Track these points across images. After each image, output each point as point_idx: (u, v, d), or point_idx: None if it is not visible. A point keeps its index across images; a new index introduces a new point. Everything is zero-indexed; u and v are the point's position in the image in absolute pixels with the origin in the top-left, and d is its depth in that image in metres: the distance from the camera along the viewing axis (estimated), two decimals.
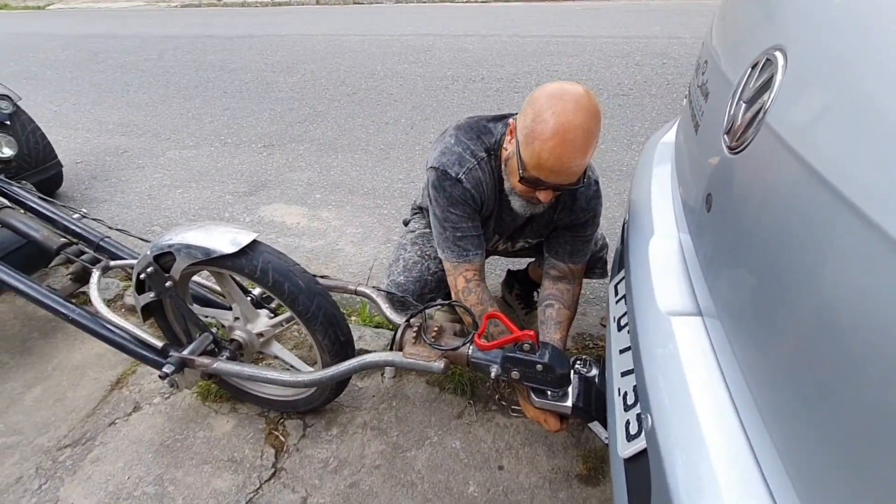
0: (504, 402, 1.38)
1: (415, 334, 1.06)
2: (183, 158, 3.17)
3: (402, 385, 1.49)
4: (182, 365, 1.15)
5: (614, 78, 3.71)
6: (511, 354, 0.97)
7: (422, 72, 4.22)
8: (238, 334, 1.25)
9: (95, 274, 1.32)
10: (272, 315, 1.30)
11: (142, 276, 1.15)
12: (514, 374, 0.98)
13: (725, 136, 0.61)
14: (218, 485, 1.26)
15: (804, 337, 0.44)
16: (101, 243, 1.46)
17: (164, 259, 1.13)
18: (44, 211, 1.54)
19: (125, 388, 1.58)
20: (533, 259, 1.58)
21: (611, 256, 1.46)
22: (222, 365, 1.15)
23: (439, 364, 1.01)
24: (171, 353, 1.20)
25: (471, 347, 1.02)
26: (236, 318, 1.24)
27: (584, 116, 0.91)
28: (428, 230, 1.44)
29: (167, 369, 1.13)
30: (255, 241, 1.09)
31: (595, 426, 1.01)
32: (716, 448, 0.51)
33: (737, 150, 0.58)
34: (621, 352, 0.87)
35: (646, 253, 0.81)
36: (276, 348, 1.33)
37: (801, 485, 0.42)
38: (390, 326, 1.65)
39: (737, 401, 0.54)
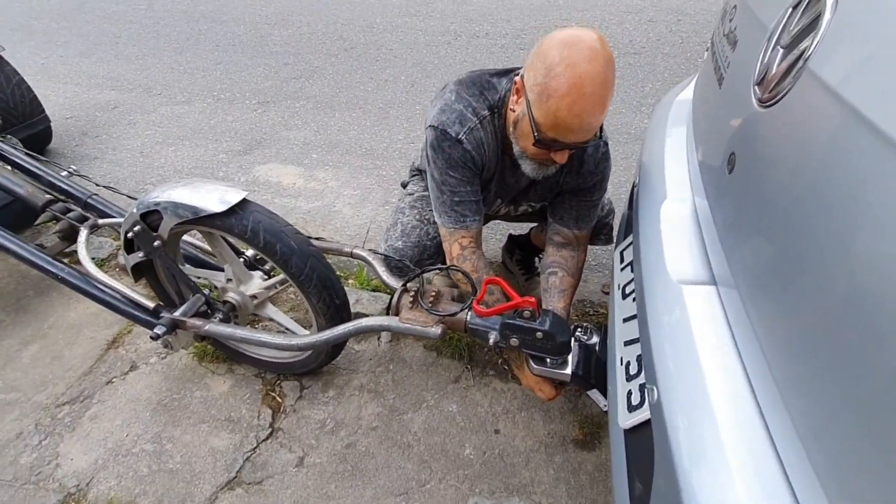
0: (506, 367, 1.37)
1: (412, 299, 1.02)
2: (175, 115, 3.06)
3: (399, 349, 1.48)
4: (174, 326, 1.13)
5: (626, 35, 3.52)
6: (510, 321, 0.94)
7: (423, 26, 4.01)
8: (231, 296, 1.22)
9: (83, 232, 1.27)
10: (266, 277, 1.27)
11: (129, 235, 1.10)
12: (514, 341, 0.95)
13: (756, 88, 0.55)
14: (215, 443, 1.27)
15: (838, 305, 0.40)
16: (88, 201, 1.41)
17: (151, 217, 1.08)
18: (29, 167, 1.48)
19: (121, 347, 1.57)
20: (535, 224, 1.53)
21: (617, 222, 1.41)
22: (214, 327, 1.12)
23: (436, 330, 0.98)
24: (162, 315, 1.18)
25: (469, 313, 0.99)
26: (229, 280, 1.21)
27: (601, 65, 0.84)
28: (427, 193, 1.38)
29: (158, 330, 1.10)
30: (244, 200, 1.04)
31: (594, 394, 1.00)
32: (726, 424, 0.48)
33: (769, 103, 0.52)
34: (625, 320, 0.84)
35: (657, 218, 0.76)
36: (272, 310, 1.30)
37: (820, 460, 0.40)
38: (388, 290, 1.62)
39: (751, 374, 0.51)
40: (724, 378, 0.52)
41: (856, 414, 0.37)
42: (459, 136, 1.03)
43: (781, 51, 0.51)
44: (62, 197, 1.38)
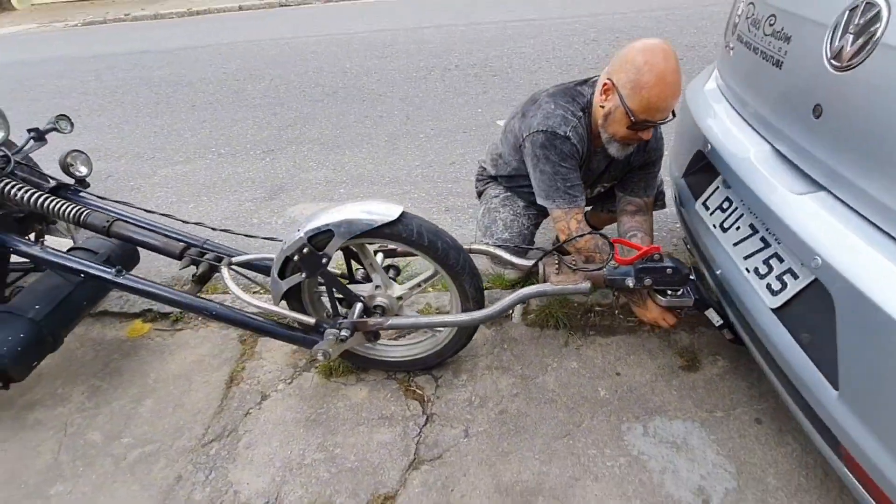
0: (622, 315, 1.63)
1: (556, 267, 1.26)
2: (179, 174, 3.10)
3: (505, 330, 1.69)
4: (354, 329, 1.28)
5: (578, 55, 4.06)
6: (644, 266, 1.21)
7: (394, 65, 4.34)
8: (380, 300, 1.38)
9: (225, 270, 1.39)
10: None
11: (295, 258, 1.25)
12: (647, 282, 1.22)
13: (830, 62, 0.88)
14: (381, 438, 1.40)
15: None
16: (204, 246, 1.51)
17: (315, 239, 1.24)
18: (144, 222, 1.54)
19: (241, 383, 1.64)
20: (591, 207, 1.83)
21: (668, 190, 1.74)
22: (396, 320, 1.29)
23: (586, 284, 1.22)
24: (324, 327, 1.32)
25: (606, 268, 1.24)
26: (377, 287, 1.38)
27: (674, 62, 1.17)
28: (509, 193, 1.64)
29: (344, 333, 1.25)
30: (403, 212, 1.24)
31: (710, 313, 1.28)
32: (880, 260, 0.77)
33: (846, 69, 0.84)
34: (736, 244, 1.13)
35: (751, 161, 1.07)
36: (407, 311, 1.47)
37: None
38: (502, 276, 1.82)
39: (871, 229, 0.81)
40: (857, 239, 0.82)
41: None
42: (567, 134, 1.31)
43: (851, 36, 0.84)
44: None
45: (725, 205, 1.21)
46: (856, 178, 0.85)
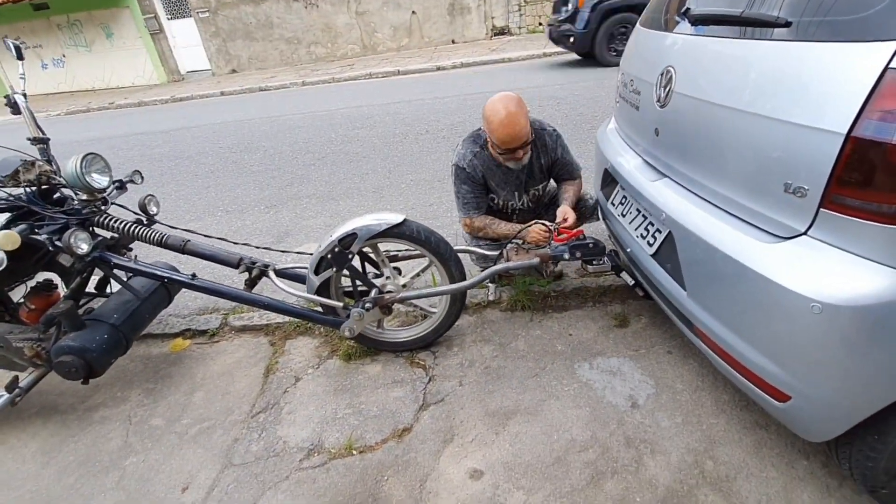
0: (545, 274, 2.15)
1: (515, 251, 1.79)
2: (192, 228, 3.54)
3: (485, 316, 2.17)
4: (375, 303, 1.74)
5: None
6: (574, 243, 1.75)
7: (373, 133, 5.05)
8: (390, 287, 1.86)
9: (272, 274, 1.84)
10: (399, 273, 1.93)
11: (328, 256, 1.73)
12: (578, 255, 1.76)
13: (657, 104, 1.51)
14: (396, 394, 1.81)
15: (710, 161, 1.31)
16: (241, 257, 1.97)
17: (343, 241, 1.73)
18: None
19: (277, 372, 2.03)
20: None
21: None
22: (407, 293, 1.76)
23: (536, 259, 1.75)
24: (349, 308, 1.77)
25: (550, 247, 1.78)
26: (387, 277, 1.86)
27: (511, 107, 1.76)
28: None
29: (368, 305, 1.71)
30: (405, 218, 1.76)
31: (624, 275, 1.82)
32: (694, 209, 1.34)
33: (664, 107, 1.47)
34: (630, 223, 1.71)
35: (631, 170, 1.67)
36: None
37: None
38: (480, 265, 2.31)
39: (680, 193, 1.39)
40: (681, 200, 1.40)
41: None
42: (463, 165, 1.92)
43: (663, 89, 1.46)
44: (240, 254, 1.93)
45: (623, 200, 1.80)
46: (679, 167, 1.44)
